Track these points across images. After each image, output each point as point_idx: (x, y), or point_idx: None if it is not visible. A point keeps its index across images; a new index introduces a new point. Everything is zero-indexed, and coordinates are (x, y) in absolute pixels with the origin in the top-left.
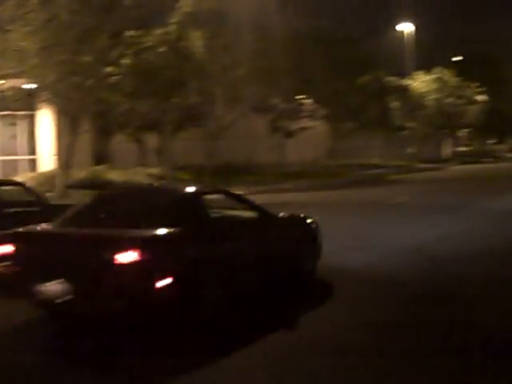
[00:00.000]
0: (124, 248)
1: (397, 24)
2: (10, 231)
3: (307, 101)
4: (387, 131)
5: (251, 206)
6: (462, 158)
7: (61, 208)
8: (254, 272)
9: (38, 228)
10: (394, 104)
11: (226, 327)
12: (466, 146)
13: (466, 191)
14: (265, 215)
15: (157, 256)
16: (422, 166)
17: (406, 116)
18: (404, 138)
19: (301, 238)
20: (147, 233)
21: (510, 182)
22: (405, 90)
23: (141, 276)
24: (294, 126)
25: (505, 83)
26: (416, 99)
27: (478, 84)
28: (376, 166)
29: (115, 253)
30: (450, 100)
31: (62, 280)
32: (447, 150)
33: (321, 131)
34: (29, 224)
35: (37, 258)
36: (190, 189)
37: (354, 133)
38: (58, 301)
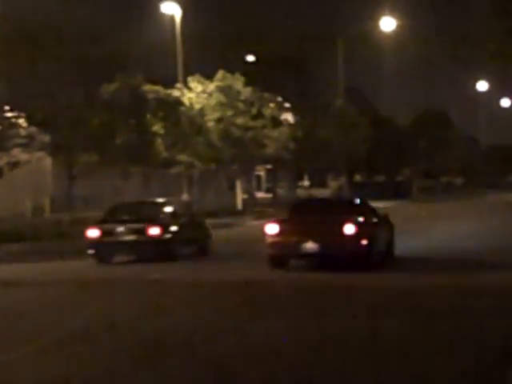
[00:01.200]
0: (349, 224)
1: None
2: (279, 218)
3: (20, 121)
4: (148, 168)
5: (373, 209)
6: (262, 210)
7: None
8: (383, 244)
9: (288, 217)
10: (157, 126)
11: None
12: (269, 190)
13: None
14: (380, 214)
15: (362, 229)
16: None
17: (176, 145)
18: (175, 179)
19: (391, 229)
20: (357, 218)
21: None
22: (173, 104)
23: (356, 238)
24: (1, 159)
25: (322, 96)
26: (191, 119)
27: (282, 98)
28: None
29: (345, 227)
30: (241, 121)
31: (313, 241)
32: (242, 196)
33: (44, 168)
34: None
35: (298, 231)
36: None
37: (97, 170)
38: (311, 252)
